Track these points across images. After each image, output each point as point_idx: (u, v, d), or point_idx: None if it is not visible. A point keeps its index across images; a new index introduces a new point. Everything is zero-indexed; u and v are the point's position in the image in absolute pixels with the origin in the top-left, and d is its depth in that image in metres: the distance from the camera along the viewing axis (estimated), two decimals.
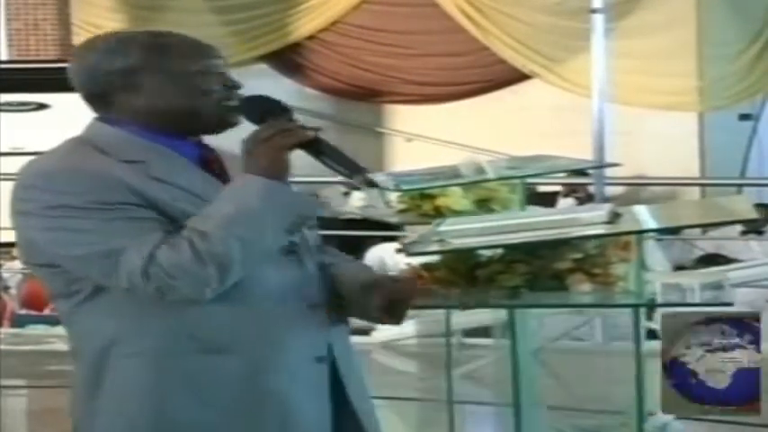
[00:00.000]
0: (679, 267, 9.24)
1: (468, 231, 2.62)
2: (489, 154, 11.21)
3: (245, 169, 2.33)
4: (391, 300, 2.49)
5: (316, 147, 2.36)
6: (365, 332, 7.59)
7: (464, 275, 2.57)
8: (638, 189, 10.71)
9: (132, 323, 2.35)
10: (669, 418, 5.09)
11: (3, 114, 11.21)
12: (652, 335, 8.22)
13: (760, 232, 9.91)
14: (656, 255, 9.39)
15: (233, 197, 2.31)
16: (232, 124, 2.45)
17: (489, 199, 3.14)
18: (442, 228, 2.67)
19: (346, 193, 12.64)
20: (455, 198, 3.01)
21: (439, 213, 3.01)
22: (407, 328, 7.55)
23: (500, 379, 2.81)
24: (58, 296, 2.42)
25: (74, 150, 2.40)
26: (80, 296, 2.37)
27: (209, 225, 2.28)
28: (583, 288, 2.54)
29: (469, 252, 2.61)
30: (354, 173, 2.39)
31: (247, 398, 2.37)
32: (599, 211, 2.57)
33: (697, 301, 2.62)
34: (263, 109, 2.40)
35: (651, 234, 4.07)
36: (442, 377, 6.50)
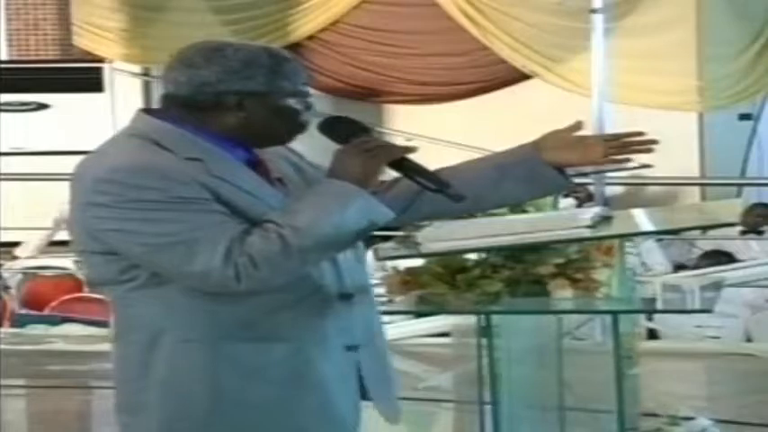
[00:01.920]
0: (679, 267, 9.25)
1: (449, 235, 2.61)
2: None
3: (339, 175, 2.49)
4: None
5: (404, 164, 2.53)
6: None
7: (447, 280, 2.56)
8: (637, 189, 10.71)
9: (182, 312, 2.48)
10: (708, 422, 5.10)
11: (3, 114, 11.21)
12: (652, 335, 8.23)
13: (759, 232, 9.91)
14: (656, 255, 9.40)
15: (326, 199, 2.46)
16: (284, 142, 2.63)
17: None
18: (426, 231, 2.66)
19: None
20: None
21: (471, 215, 2.98)
22: (407, 328, 7.55)
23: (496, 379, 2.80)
24: (107, 282, 2.54)
25: (141, 147, 2.50)
26: (134, 283, 2.49)
27: (302, 221, 2.42)
28: (564, 293, 2.52)
29: (449, 256, 2.59)
30: (443, 187, 2.55)
31: (291, 383, 2.50)
32: (582, 216, 2.54)
33: (697, 306, 2.60)
34: (348, 130, 2.57)
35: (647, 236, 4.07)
36: (441, 377, 6.50)
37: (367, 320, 2.65)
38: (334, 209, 2.44)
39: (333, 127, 2.58)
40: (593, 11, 9.04)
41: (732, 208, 2.75)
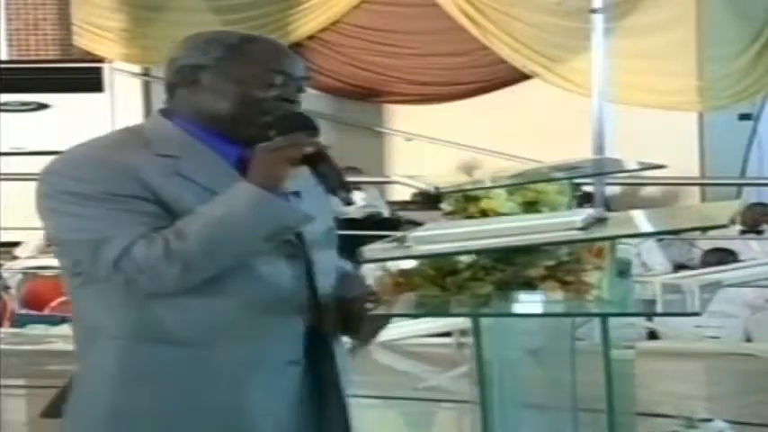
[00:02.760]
0: (679, 267, 9.26)
1: (440, 237, 2.59)
2: (489, 154, 11.23)
3: (248, 177, 2.40)
4: (346, 316, 2.55)
5: (317, 163, 2.41)
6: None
7: (438, 282, 2.54)
8: (637, 189, 10.71)
9: (115, 309, 2.46)
10: (725, 425, 5.10)
11: (3, 114, 11.21)
12: (652, 335, 8.22)
13: (759, 231, 9.92)
14: (656, 255, 9.41)
15: (223, 201, 2.38)
16: (265, 138, 2.47)
17: (537, 201, 3.08)
18: (417, 233, 2.64)
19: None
20: (499, 201, 2.95)
21: (485, 216, 2.96)
22: (407, 328, 7.55)
23: (493, 378, 2.80)
24: (66, 274, 2.54)
25: (115, 141, 2.51)
26: (81, 278, 2.48)
27: (190, 225, 2.36)
28: (555, 296, 2.49)
29: (440, 258, 2.56)
30: (339, 192, 2.43)
31: (208, 393, 2.43)
32: (573, 217, 2.52)
33: (697, 309, 2.59)
34: (293, 125, 2.46)
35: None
36: (441, 377, 6.51)
37: (325, 337, 2.55)
38: (230, 213, 2.36)
39: (280, 121, 2.48)
40: (593, 11, 9.03)
41: (725, 209, 2.73)
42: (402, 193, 11.54)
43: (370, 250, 2.63)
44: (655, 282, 2.66)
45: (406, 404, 6.41)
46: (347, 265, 2.69)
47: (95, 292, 2.46)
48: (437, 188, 3.10)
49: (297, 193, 2.51)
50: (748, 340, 8.00)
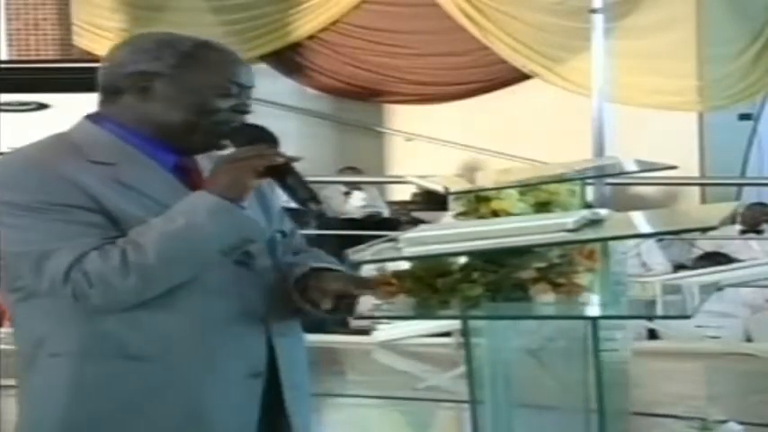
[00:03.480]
0: (679, 267, 9.25)
1: (430, 239, 2.57)
2: (489, 154, 11.23)
3: (207, 185, 2.33)
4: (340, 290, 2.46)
5: (283, 175, 2.37)
6: (365, 332, 7.59)
7: (429, 284, 2.52)
8: (637, 189, 10.70)
9: (60, 324, 2.35)
10: (739, 428, 5.10)
11: (3, 114, 11.21)
12: (652, 335, 8.21)
13: (759, 231, 9.92)
14: (656, 255, 9.40)
15: (182, 211, 2.30)
16: (218, 147, 2.43)
17: (549, 202, 3.05)
18: (409, 234, 2.62)
19: (347, 193, 12.60)
20: (510, 201, 2.93)
21: (496, 217, 2.94)
22: (408, 328, 7.55)
23: (490, 378, 2.80)
24: (4, 289, 2.42)
25: (46, 147, 2.41)
26: (22, 292, 2.38)
27: (146, 237, 2.28)
28: (546, 298, 2.47)
29: (431, 260, 2.54)
30: (308, 204, 2.39)
31: (163, 408, 2.35)
32: (565, 219, 2.51)
33: (690, 313, 2.58)
34: (252, 138, 2.41)
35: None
36: (441, 377, 6.51)
37: (283, 347, 2.48)
38: (190, 223, 2.27)
39: (236, 136, 2.42)
40: (593, 11, 9.04)
41: (718, 211, 2.73)
42: (402, 193, 11.55)
43: (356, 252, 2.60)
44: (649, 282, 2.66)
45: (406, 404, 6.41)
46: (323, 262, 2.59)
47: (38, 306, 2.35)
48: (446, 188, 3.09)
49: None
50: (748, 340, 8.00)
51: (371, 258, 2.57)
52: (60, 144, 2.41)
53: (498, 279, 2.48)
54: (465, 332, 2.75)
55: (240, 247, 2.35)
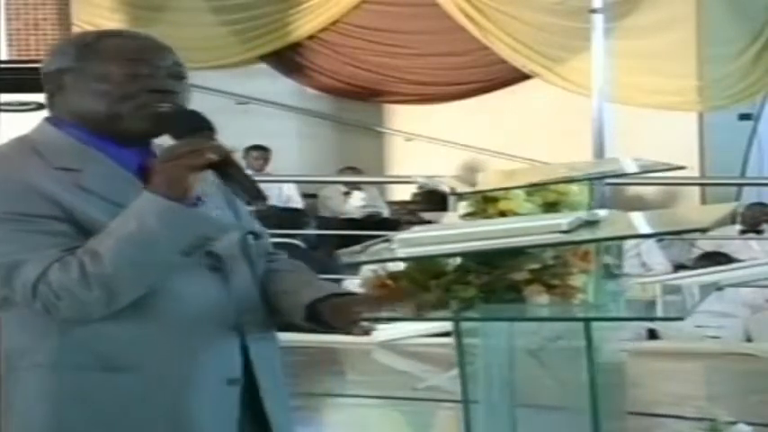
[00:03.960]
0: (679, 267, 9.25)
1: (425, 240, 2.54)
2: (489, 154, 11.23)
3: (150, 186, 2.27)
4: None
5: (224, 170, 2.29)
6: (365, 332, 7.57)
7: (423, 285, 2.49)
8: (637, 189, 10.70)
9: (40, 335, 2.32)
10: (748, 428, 5.10)
11: (3, 114, 11.20)
12: (652, 335, 8.21)
13: (759, 231, 9.91)
14: (656, 255, 9.40)
15: (131, 216, 2.25)
16: (155, 133, 2.38)
17: (558, 202, 3.03)
18: (403, 235, 2.60)
19: (347, 193, 12.60)
20: (518, 201, 2.90)
21: (503, 217, 2.91)
22: (407, 328, 7.55)
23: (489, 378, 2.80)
24: None
25: (9, 154, 2.38)
26: (0, 302, 2.35)
27: (103, 245, 2.24)
28: (540, 300, 2.45)
29: (426, 261, 2.52)
30: (253, 199, 2.33)
31: (142, 419, 2.31)
32: (559, 220, 2.48)
33: (683, 315, 2.57)
34: (188, 125, 2.33)
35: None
36: (441, 377, 6.50)
37: (258, 351, 2.43)
38: (141, 228, 2.22)
39: (173, 119, 2.35)
40: (593, 11, 9.06)
41: (714, 212, 2.72)
42: (402, 193, 11.54)
43: (346, 253, 2.58)
44: (649, 283, 2.65)
45: (406, 404, 6.41)
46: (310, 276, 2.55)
47: (19, 316, 2.32)
48: (452, 189, 3.07)
49: (198, 199, 2.37)
50: (748, 340, 7.99)
51: (362, 260, 2.55)
52: (23, 150, 2.38)
53: (492, 280, 2.45)
54: (457, 333, 2.74)
55: (201, 246, 2.29)
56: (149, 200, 2.25)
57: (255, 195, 2.31)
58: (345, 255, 2.57)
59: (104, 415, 2.31)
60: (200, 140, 2.28)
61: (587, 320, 2.52)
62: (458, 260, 2.50)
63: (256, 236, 2.54)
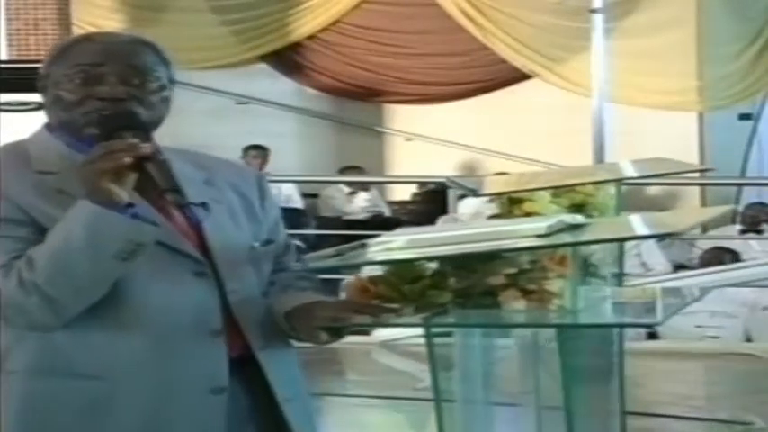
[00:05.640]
0: (679, 267, 9.25)
1: (402, 244, 2.50)
2: (489, 154, 11.23)
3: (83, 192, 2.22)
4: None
5: (143, 169, 2.22)
6: (365, 332, 7.58)
7: (399, 290, 2.45)
8: (637, 190, 10.71)
9: (18, 339, 2.28)
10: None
11: (3, 114, 11.20)
12: (652, 335, 8.20)
13: (759, 231, 9.91)
14: (656, 255, 9.40)
15: (64, 222, 2.21)
16: (107, 139, 2.27)
17: (585, 204, 2.99)
18: (381, 239, 2.57)
19: (352, 193, 12.58)
20: (542, 203, 2.87)
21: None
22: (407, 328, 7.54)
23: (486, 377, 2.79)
24: None
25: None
26: None
27: (37, 251, 2.20)
28: (517, 305, 2.40)
29: (404, 265, 2.49)
30: (168, 194, 2.29)
31: (114, 428, 2.26)
32: (538, 224, 2.44)
33: (659, 320, 2.55)
34: (116, 127, 2.27)
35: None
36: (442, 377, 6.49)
37: (269, 360, 2.37)
38: (69, 235, 2.17)
39: (100, 127, 2.30)
40: (593, 11, 9.06)
41: (705, 213, 2.71)
42: (402, 193, 11.55)
43: (312, 257, 2.55)
44: (647, 284, 2.64)
45: (406, 404, 6.41)
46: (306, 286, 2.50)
47: None
48: (475, 190, 3.04)
49: (204, 205, 2.36)
50: (748, 340, 7.99)
51: (322, 265, 2.51)
52: (12, 153, 2.37)
53: (469, 285, 2.41)
54: (429, 341, 2.71)
55: (136, 252, 2.20)
56: (79, 205, 2.20)
57: (168, 189, 2.28)
58: (313, 259, 2.53)
59: (71, 423, 2.26)
60: (113, 143, 2.21)
61: (559, 326, 2.47)
62: (436, 264, 2.46)
63: (267, 242, 2.48)
